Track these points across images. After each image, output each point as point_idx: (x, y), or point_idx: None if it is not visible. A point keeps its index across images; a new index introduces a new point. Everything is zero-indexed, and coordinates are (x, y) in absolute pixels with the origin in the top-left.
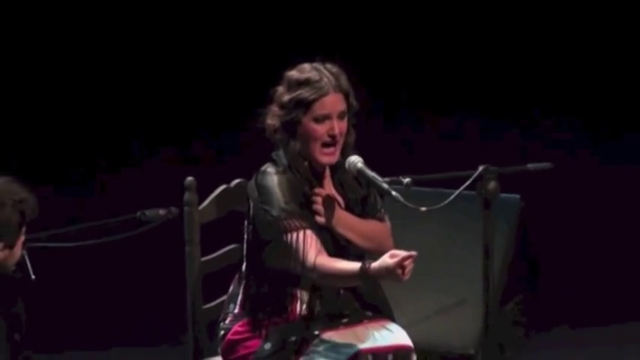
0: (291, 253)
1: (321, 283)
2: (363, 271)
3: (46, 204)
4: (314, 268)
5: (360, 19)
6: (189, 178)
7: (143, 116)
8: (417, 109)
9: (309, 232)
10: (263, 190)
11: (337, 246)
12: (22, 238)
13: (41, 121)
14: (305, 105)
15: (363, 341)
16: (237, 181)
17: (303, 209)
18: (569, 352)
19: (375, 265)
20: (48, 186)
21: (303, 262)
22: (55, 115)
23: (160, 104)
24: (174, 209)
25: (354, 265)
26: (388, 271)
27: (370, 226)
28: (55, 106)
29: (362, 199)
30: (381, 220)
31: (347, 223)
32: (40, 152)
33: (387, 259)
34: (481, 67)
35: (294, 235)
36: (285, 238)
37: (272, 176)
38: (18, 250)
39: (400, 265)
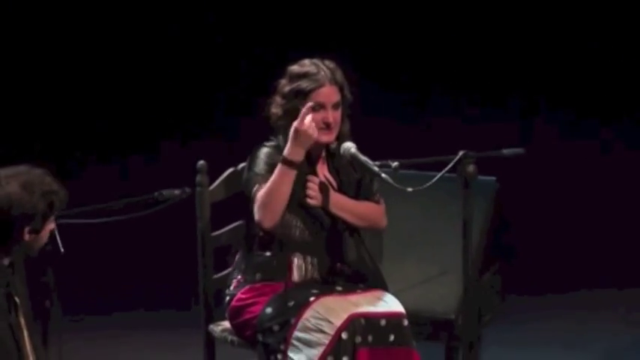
0: (250, 203)
1: (270, 218)
2: (283, 158)
3: (75, 186)
4: (257, 208)
5: (350, 15)
6: (201, 162)
7: (160, 108)
8: (406, 99)
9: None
10: (252, 156)
11: (333, 223)
12: (51, 225)
13: (68, 112)
14: (303, 94)
15: (357, 306)
16: (243, 164)
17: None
18: (540, 315)
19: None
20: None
21: (252, 209)
22: (78, 107)
23: (170, 99)
24: (187, 190)
25: (284, 155)
26: (296, 134)
27: (363, 206)
28: (77, 98)
29: (356, 182)
30: (377, 202)
31: (340, 205)
32: (72, 143)
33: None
34: (458, 55)
35: (257, 187)
36: (250, 192)
37: (264, 148)
38: (44, 236)
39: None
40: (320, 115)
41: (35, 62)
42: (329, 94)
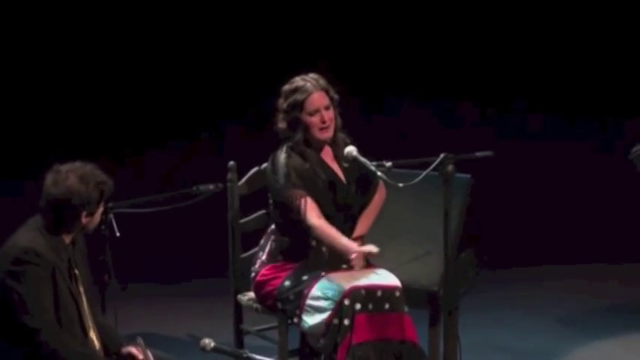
0: (297, 213)
1: (315, 236)
2: (348, 252)
3: (127, 182)
4: (314, 227)
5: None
6: (231, 162)
7: (190, 115)
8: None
9: (308, 199)
10: (274, 163)
11: (337, 205)
12: (101, 209)
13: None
14: (299, 105)
15: (358, 280)
16: (265, 164)
17: (302, 180)
18: (507, 286)
19: (353, 256)
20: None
21: (305, 221)
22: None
23: (202, 106)
24: (220, 185)
25: (344, 243)
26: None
27: (376, 207)
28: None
29: (364, 179)
30: (377, 184)
31: (369, 225)
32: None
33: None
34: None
35: (298, 201)
36: (291, 202)
37: (282, 155)
38: (97, 218)
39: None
40: (317, 118)
41: (86, 63)
42: (319, 98)
